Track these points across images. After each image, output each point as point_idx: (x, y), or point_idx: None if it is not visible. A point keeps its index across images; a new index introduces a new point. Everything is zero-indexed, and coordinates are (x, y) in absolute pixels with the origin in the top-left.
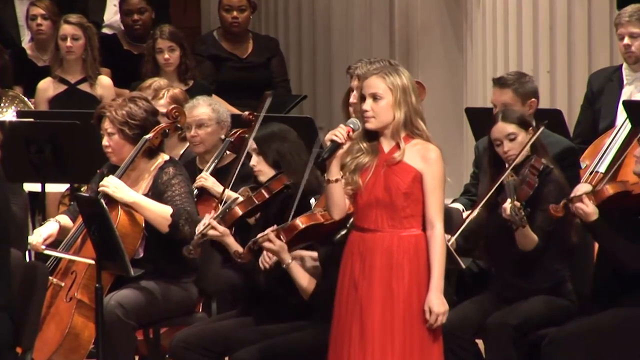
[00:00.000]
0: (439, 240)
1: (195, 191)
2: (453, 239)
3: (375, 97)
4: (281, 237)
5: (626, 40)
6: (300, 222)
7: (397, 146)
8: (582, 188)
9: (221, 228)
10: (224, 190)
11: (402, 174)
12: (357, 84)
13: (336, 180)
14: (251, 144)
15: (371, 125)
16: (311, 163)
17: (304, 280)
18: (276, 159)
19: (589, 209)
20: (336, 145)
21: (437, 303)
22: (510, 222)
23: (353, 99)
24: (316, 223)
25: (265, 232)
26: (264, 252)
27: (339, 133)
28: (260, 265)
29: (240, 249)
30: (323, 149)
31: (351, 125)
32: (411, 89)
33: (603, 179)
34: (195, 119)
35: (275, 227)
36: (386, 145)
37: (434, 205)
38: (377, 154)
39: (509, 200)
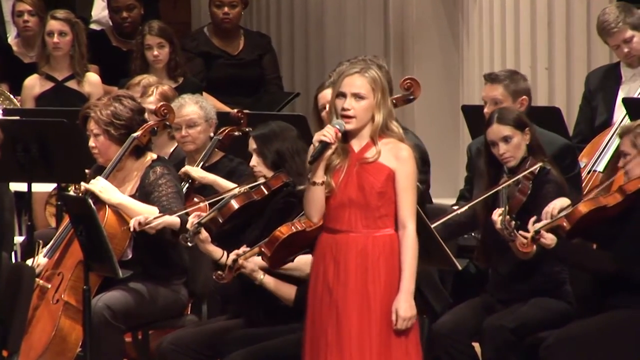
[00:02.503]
0: (410, 241)
1: (184, 189)
2: (434, 225)
3: (357, 97)
4: (263, 250)
5: (626, 49)
6: (281, 233)
7: (369, 145)
8: (558, 204)
9: (204, 234)
10: (232, 189)
11: (375, 173)
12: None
13: (322, 183)
14: (251, 144)
15: (351, 125)
16: None
17: (282, 290)
18: (275, 160)
19: (548, 240)
20: (325, 145)
21: (404, 307)
22: (501, 235)
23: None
24: (298, 231)
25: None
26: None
27: (328, 133)
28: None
29: (219, 254)
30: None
31: (337, 126)
32: (387, 89)
33: (599, 185)
34: (185, 119)
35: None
36: (356, 144)
37: (406, 205)
38: (347, 154)
39: (498, 210)
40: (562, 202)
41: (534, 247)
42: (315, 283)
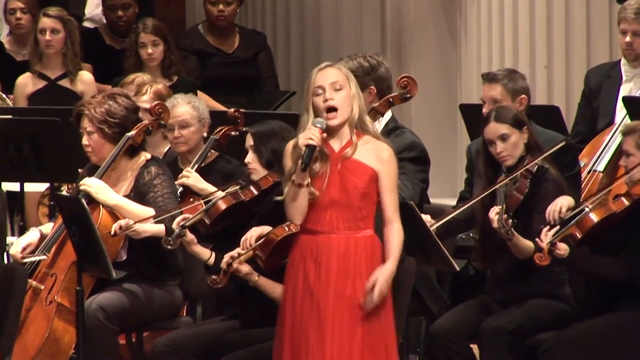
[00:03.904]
0: (399, 233)
1: (180, 189)
2: (435, 226)
3: (336, 88)
4: (258, 253)
5: (628, 38)
6: (276, 235)
7: (349, 144)
8: (565, 204)
9: (190, 236)
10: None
11: (358, 174)
12: None
13: (307, 185)
14: (249, 140)
15: (337, 120)
16: None
17: (276, 292)
18: (270, 158)
19: (562, 251)
20: (313, 149)
21: (384, 281)
22: (499, 234)
23: None
24: (292, 233)
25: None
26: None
27: (313, 136)
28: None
29: (207, 255)
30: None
31: (319, 125)
32: (357, 83)
33: (599, 189)
34: (177, 119)
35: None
36: (336, 144)
37: (392, 204)
38: (327, 157)
39: (495, 209)
40: (568, 201)
41: (550, 258)
42: (295, 285)
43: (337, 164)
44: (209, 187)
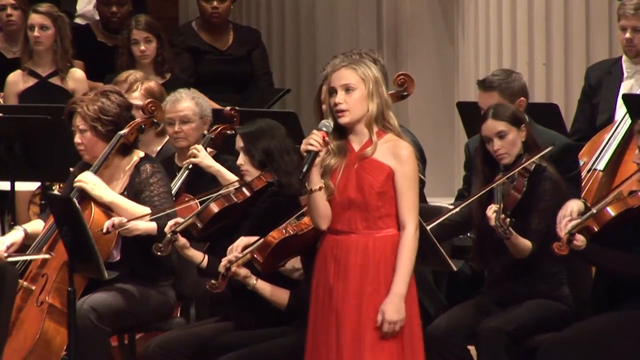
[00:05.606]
0: (407, 242)
1: (175, 188)
2: (432, 225)
3: (347, 89)
4: (255, 256)
5: (628, 34)
6: (273, 238)
7: (369, 142)
8: (575, 207)
9: (182, 240)
10: (233, 182)
11: (374, 172)
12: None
13: (320, 189)
14: (239, 142)
15: (345, 119)
16: None
17: (275, 295)
18: (262, 159)
19: (579, 243)
20: (314, 155)
21: (391, 310)
22: (496, 232)
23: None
24: (290, 235)
25: (235, 255)
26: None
27: (314, 141)
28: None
29: (200, 258)
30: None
31: (324, 129)
32: (381, 80)
33: (603, 182)
34: (179, 114)
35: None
36: (356, 143)
37: (406, 205)
38: (345, 154)
39: (492, 206)
40: (578, 205)
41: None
42: (317, 284)
43: (354, 164)
44: (216, 165)
